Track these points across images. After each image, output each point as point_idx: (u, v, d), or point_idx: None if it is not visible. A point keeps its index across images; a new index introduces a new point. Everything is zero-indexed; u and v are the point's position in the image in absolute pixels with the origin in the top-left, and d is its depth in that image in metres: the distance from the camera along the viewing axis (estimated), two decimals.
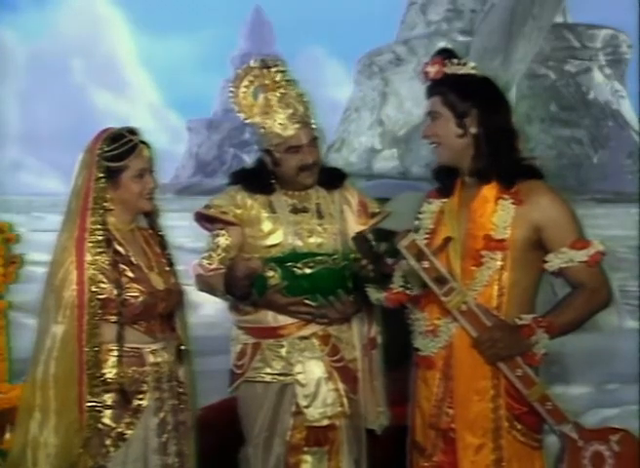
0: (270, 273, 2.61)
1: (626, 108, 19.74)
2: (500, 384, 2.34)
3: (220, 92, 27.81)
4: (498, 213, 2.36)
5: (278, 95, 2.73)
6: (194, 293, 2.82)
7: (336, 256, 2.70)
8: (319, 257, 2.68)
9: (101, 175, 2.40)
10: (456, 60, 2.43)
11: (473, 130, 2.38)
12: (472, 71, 2.44)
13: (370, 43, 21.38)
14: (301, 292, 2.65)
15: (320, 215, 2.80)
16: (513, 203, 2.36)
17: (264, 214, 2.78)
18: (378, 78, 21.03)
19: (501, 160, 2.39)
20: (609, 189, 15.75)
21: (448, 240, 2.38)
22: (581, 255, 2.34)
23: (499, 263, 2.34)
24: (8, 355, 3.27)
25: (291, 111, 2.72)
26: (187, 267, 2.87)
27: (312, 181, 2.79)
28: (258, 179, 2.81)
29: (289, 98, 2.73)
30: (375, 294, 2.60)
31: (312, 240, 2.77)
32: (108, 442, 2.36)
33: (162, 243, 2.57)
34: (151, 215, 2.57)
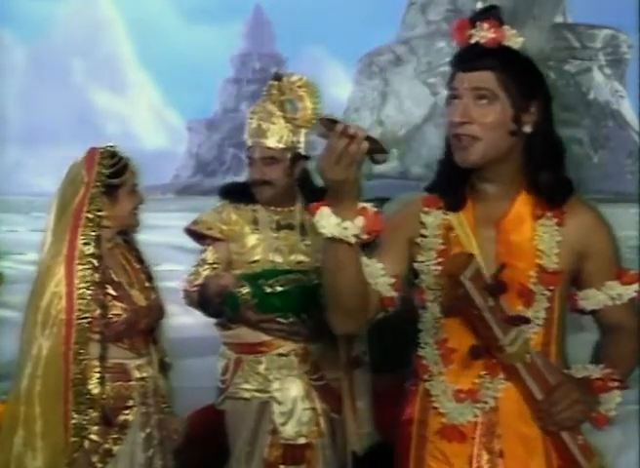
0: (242, 290, 2.60)
1: (626, 108, 19.74)
2: (552, 462, 1.77)
3: (219, 92, 27.80)
4: (540, 236, 1.79)
5: (260, 107, 2.75)
6: None
7: (312, 274, 2.62)
8: (292, 275, 2.64)
9: (101, 191, 2.39)
10: (508, 28, 1.76)
11: (528, 129, 1.76)
12: (523, 47, 1.79)
13: (370, 43, 21.41)
14: (273, 309, 2.63)
15: (304, 232, 2.77)
16: (558, 223, 1.80)
17: (248, 230, 2.77)
18: (378, 78, 21.04)
19: (559, 171, 1.82)
20: (609, 189, 15.70)
21: (503, 267, 1.73)
22: (631, 291, 1.85)
23: (547, 303, 1.78)
24: None
25: (257, 124, 2.71)
26: (187, 267, 2.87)
27: (265, 198, 2.75)
28: (241, 191, 2.81)
29: (264, 112, 2.73)
30: None
31: (292, 257, 2.75)
32: (95, 458, 2.33)
33: (139, 258, 2.55)
34: (128, 231, 2.55)
